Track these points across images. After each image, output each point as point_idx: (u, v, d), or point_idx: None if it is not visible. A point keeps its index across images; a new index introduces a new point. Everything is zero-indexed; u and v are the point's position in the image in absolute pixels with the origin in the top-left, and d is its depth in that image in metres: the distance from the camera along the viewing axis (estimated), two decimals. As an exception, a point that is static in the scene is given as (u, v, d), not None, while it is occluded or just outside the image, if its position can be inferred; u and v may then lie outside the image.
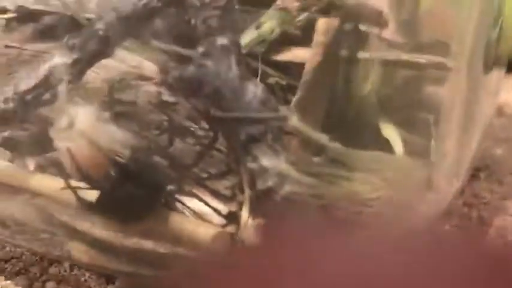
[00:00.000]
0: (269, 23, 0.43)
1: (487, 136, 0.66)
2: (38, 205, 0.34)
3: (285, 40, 0.44)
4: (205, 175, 0.35)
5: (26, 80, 0.34)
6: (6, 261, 0.40)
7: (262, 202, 0.31)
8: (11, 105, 0.33)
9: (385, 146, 0.38)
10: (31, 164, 0.33)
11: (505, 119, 0.74)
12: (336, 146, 0.31)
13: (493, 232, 0.49)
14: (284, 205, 0.31)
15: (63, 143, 0.29)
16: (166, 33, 0.35)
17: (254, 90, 0.31)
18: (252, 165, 0.31)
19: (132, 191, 0.30)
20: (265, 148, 0.31)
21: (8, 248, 0.40)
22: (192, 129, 0.39)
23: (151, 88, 0.39)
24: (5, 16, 0.43)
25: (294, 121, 0.31)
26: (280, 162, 0.31)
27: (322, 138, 0.31)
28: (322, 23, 0.42)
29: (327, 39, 0.41)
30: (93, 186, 0.30)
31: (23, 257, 0.40)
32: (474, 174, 0.58)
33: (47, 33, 0.46)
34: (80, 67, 0.34)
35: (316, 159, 0.31)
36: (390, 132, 0.39)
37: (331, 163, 0.31)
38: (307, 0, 0.34)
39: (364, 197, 0.33)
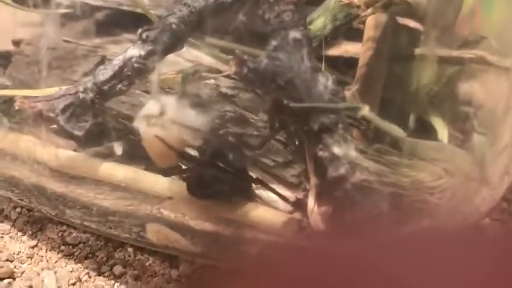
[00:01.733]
0: (321, 19, 0.45)
1: None
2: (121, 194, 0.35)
3: (336, 35, 0.45)
4: (272, 163, 0.36)
5: (103, 71, 0.35)
6: (74, 246, 0.41)
7: (332, 189, 0.32)
8: (90, 95, 0.35)
9: (435, 139, 0.40)
10: (118, 150, 0.35)
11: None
12: (399, 132, 0.32)
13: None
14: (353, 192, 0.32)
15: (152, 130, 0.30)
16: (237, 27, 0.36)
17: (325, 81, 0.33)
18: (323, 153, 0.32)
19: (219, 174, 0.32)
20: (336, 137, 0.32)
21: (74, 234, 0.42)
22: (251, 120, 0.40)
23: (211, 81, 0.40)
24: (61, 11, 0.45)
25: (366, 111, 0.32)
26: (350, 150, 0.32)
27: (393, 128, 0.32)
28: (371, 19, 0.43)
29: (377, 34, 0.42)
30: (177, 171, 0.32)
31: (89, 242, 0.42)
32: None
33: (100, 28, 0.48)
34: (153, 59, 0.36)
35: (382, 148, 0.32)
36: (439, 125, 0.41)
37: (398, 152, 0.33)
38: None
39: (427, 185, 0.34)
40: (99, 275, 0.39)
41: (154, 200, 0.35)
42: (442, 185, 0.35)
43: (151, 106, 0.32)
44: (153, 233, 0.35)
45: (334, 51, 0.45)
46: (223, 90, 0.41)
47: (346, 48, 0.46)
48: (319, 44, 0.44)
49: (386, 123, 0.32)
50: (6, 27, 0.53)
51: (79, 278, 0.39)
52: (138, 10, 0.46)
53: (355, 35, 0.44)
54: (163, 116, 0.31)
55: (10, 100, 0.41)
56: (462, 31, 0.44)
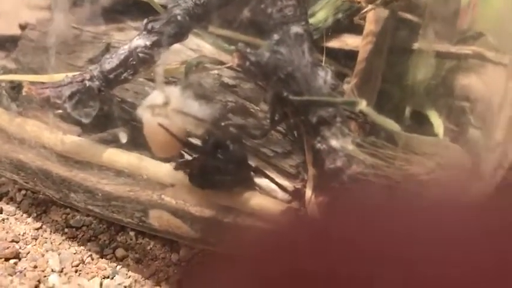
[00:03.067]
0: (323, 12, 0.45)
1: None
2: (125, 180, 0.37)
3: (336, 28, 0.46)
4: (271, 154, 0.37)
5: (109, 60, 0.36)
6: (77, 229, 0.42)
7: (329, 181, 0.33)
8: (96, 83, 0.36)
9: (431, 132, 0.41)
10: (123, 138, 0.36)
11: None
12: (395, 126, 0.33)
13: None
14: (349, 184, 0.33)
15: (155, 119, 0.32)
16: (240, 20, 0.37)
17: (324, 76, 0.34)
18: (321, 146, 0.33)
19: (221, 164, 0.33)
20: (334, 130, 0.33)
21: (78, 217, 0.43)
22: (252, 110, 0.41)
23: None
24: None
25: (363, 106, 0.33)
26: (348, 143, 0.33)
27: (390, 123, 0.33)
28: (372, 13, 0.44)
29: (377, 29, 0.43)
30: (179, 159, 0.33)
31: (92, 225, 0.43)
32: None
33: (105, 15, 0.49)
34: (157, 49, 0.37)
35: (378, 141, 0.34)
36: (436, 119, 0.42)
37: (393, 145, 0.34)
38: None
39: (420, 178, 0.35)
40: (102, 258, 0.41)
41: (156, 186, 0.36)
42: (433, 179, 0.36)
43: (155, 96, 0.33)
44: (155, 218, 0.36)
45: (334, 44, 0.46)
46: (225, 80, 0.42)
47: (346, 41, 0.47)
48: (320, 36, 0.45)
49: (382, 117, 0.33)
50: (11, 10, 0.54)
51: (82, 259, 0.40)
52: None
53: (356, 28, 0.45)
54: (167, 106, 0.32)
55: (18, 84, 0.42)
56: (462, 24, 0.45)
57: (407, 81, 0.42)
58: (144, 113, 0.33)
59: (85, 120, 0.34)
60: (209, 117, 0.33)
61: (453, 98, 0.43)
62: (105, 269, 0.40)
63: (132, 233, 0.43)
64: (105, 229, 0.43)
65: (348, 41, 0.47)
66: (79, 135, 0.40)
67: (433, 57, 0.42)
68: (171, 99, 0.32)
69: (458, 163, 0.37)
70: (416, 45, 0.44)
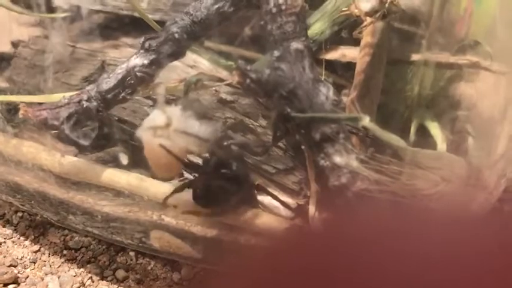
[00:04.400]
0: (319, 24, 0.45)
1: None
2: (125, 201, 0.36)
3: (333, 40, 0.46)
4: (273, 170, 0.37)
5: (107, 80, 0.36)
6: (76, 250, 0.42)
7: (333, 197, 0.33)
8: (94, 103, 0.35)
9: (431, 144, 0.41)
10: (124, 159, 0.35)
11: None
12: (404, 145, 0.33)
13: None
14: (353, 200, 0.33)
15: (156, 140, 0.31)
16: (240, 37, 0.37)
17: (326, 92, 0.33)
18: (324, 162, 0.33)
19: (223, 183, 0.33)
20: (338, 146, 0.33)
21: (77, 238, 0.42)
22: (251, 126, 0.41)
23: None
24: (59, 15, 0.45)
25: (366, 122, 0.33)
26: (352, 160, 0.33)
27: (395, 139, 0.33)
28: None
29: (375, 41, 0.43)
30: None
31: (91, 246, 0.42)
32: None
33: (98, 32, 0.48)
34: (155, 68, 0.37)
35: (383, 157, 0.33)
36: (436, 131, 0.42)
37: (397, 160, 0.33)
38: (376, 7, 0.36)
39: (426, 192, 0.35)
40: (102, 279, 0.40)
41: (156, 207, 0.36)
42: (438, 192, 0.36)
43: (156, 116, 0.32)
44: (156, 239, 0.36)
45: (331, 55, 0.45)
46: (223, 96, 0.41)
47: (343, 53, 0.47)
48: (317, 48, 0.44)
49: (387, 133, 0.33)
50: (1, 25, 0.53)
51: (82, 282, 0.40)
52: (137, 14, 0.46)
53: (353, 39, 0.44)
54: (169, 127, 0.31)
55: (13, 105, 0.41)
56: (459, 33, 0.45)
57: (407, 93, 0.42)
58: (144, 134, 0.32)
59: (84, 142, 0.34)
60: (210, 137, 0.32)
61: (453, 108, 0.43)
62: (106, 291, 0.39)
63: (132, 253, 0.42)
64: (105, 250, 0.42)
65: (346, 53, 0.47)
66: (75, 155, 0.40)
67: (431, 68, 0.41)
68: (173, 120, 0.31)
69: (462, 176, 0.37)
70: (414, 56, 0.43)
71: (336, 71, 0.46)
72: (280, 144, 0.37)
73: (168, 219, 0.36)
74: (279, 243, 0.23)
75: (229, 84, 0.36)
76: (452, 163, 0.36)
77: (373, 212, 0.23)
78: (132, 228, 0.37)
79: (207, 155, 0.34)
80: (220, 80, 0.37)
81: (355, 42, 0.44)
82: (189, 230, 0.36)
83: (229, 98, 0.41)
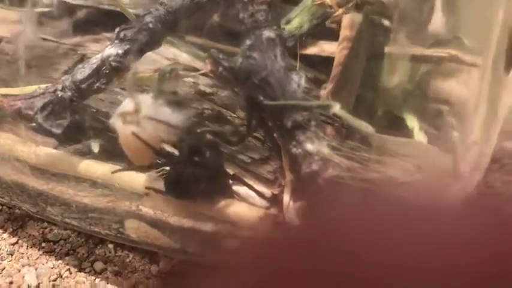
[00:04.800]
0: (298, 19, 0.45)
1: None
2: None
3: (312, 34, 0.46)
4: (248, 160, 0.37)
5: (81, 70, 0.36)
6: (55, 243, 0.42)
7: (306, 185, 0.33)
8: (68, 93, 0.36)
9: (409, 136, 0.41)
10: (95, 147, 0.35)
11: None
12: (373, 132, 0.33)
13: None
14: (326, 188, 0.33)
15: (128, 127, 0.31)
16: (212, 27, 0.37)
17: (298, 80, 0.33)
18: (296, 150, 0.33)
19: (197, 172, 0.33)
20: (309, 134, 0.33)
21: (56, 231, 0.42)
22: (229, 117, 0.41)
23: (189, 79, 0.41)
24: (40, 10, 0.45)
25: (337, 109, 0.33)
26: (323, 147, 0.33)
27: (363, 125, 0.33)
28: (347, 18, 0.44)
29: (353, 34, 0.43)
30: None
31: (70, 239, 0.42)
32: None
33: (82, 27, 0.48)
34: (130, 57, 0.37)
35: (353, 144, 0.33)
36: (413, 123, 0.42)
37: (368, 148, 0.33)
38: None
39: (399, 181, 0.35)
40: (80, 271, 0.40)
41: (133, 197, 0.36)
42: (412, 181, 0.36)
43: (127, 104, 0.32)
44: (133, 229, 0.36)
45: (311, 50, 0.46)
46: (202, 88, 0.41)
47: (323, 47, 0.47)
48: (296, 43, 0.45)
49: (356, 119, 0.33)
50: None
51: (60, 274, 0.40)
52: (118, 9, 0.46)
53: (332, 34, 0.45)
54: (138, 113, 0.31)
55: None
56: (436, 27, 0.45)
57: (384, 86, 0.42)
58: (116, 122, 0.32)
59: (56, 131, 0.34)
60: (183, 124, 0.32)
61: (430, 100, 0.43)
62: (84, 283, 0.39)
63: (111, 246, 0.42)
64: (84, 242, 0.42)
65: (325, 47, 0.47)
66: (55, 148, 0.40)
67: (407, 61, 0.42)
68: (142, 106, 0.31)
69: (436, 164, 0.37)
70: (391, 49, 0.43)
71: (315, 66, 0.46)
72: (256, 134, 0.37)
73: (146, 210, 0.36)
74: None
75: (203, 74, 0.36)
76: (425, 151, 0.36)
77: (359, 208, 0.22)
78: (109, 219, 0.37)
79: (180, 143, 0.34)
80: (195, 70, 0.37)
81: (335, 37, 0.44)
82: (166, 220, 0.36)
83: (208, 90, 0.41)
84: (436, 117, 0.42)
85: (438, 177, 0.37)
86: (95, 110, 0.38)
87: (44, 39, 0.48)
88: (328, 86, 0.41)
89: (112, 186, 0.36)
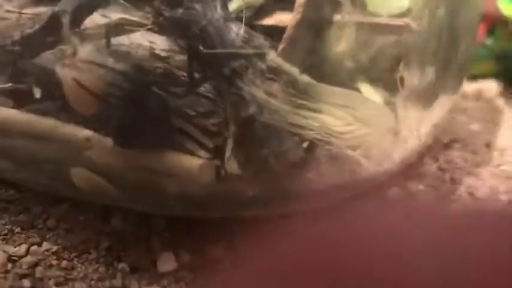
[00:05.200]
0: (256, -10, 0.47)
1: (460, 113, 0.70)
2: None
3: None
4: (193, 113, 0.38)
5: (31, 26, 0.37)
6: (9, 202, 0.43)
7: (244, 130, 0.34)
8: (17, 48, 0.37)
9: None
10: (37, 93, 0.36)
11: (483, 103, 0.78)
12: (306, 78, 0.34)
13: (462, 189, 0.52)
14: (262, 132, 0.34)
15: (69, 73, 0.32)
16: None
17: (237, 30, 0.35)
18: (235, 97, 0.34)
19: (141, 123, 0.34)
20: (246, 81, 0.34)
21: (12, 191, 0.43)
22: (182, 78, 0.42)
23: (145, 42, 0.42)
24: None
25: (272, 56, 0.34)
26: (260, 92, 0.34)
27: (294, 71, 0.34)
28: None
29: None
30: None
31: (25, 199, 0.43)
32: (449, 144, 0.62)
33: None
34: (79, 14, 0.38)
35: (291, 91, 0.35)
36: (363, 86, 0.43)
37: (304, 95, 0.35)
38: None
39: (336, 129, 0.36)
40: (33, 228, 0.41)
41: (77, 148, 0.37)
42: (351, 131, 0.37)
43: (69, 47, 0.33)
44: (79, 178, 0.36)
45: (268, 21, 0.47)
46: (157, 51, 0.42)
47: (280, 18, 0.48)
48: (254, 14, 0.46)
49: (289, 66, 0.34)
50: None
51: (11, 230, 0.40)
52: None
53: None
54: (75, 55, 0.32)
55: None
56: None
57: (333, 50, 0.44)
58: (57, 68, 0.33)
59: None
60: (126, 70, 0.33)
61: (380, 67, 0.45)
62: (34, 237, 0.40)
63: (65, 206, 0.43)
64: (39, 202, 0.43)
65: (282, 18, 0.48)
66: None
67: (353, 28, 0.43)
68: (82, 50, 0.32)
69: (375, 117, 0.38)
70: (343, 17, 0.45)
71: (273, 36, 0.47)
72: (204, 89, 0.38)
73: (92, 159, 0.37)
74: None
75: (149, 30, 0.37)
76: (365, 104, 0.37)
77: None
78: (57, 169, 0.38)
79: (123, 91, 0.35)
80: (141, 25, 0.38)
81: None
82: (112, 170, 0.37)
83: (163, 54, 0.43)
84: (382, 83, 0.43)
85: (379, 132, 0.38)
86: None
87: (8, 11, 0.49)
88: (280, 46, 0.42)
89: (57, 138, 0.37)
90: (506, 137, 0.67)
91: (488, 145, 0.65)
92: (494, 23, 0.78)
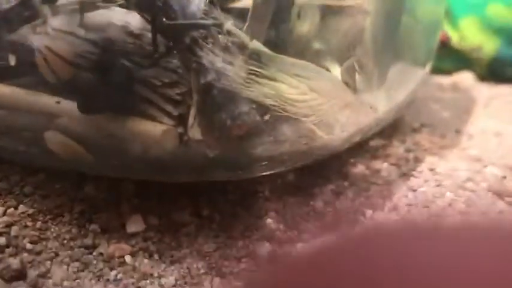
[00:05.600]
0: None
1: (435, 102, 0.73)
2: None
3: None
4: (159, 83, 0.41)
5: (9, 1, 0.40)
6: (-12, 172, 0.45)
7: (203, 96, 0.37)
8: (-5, 22, 0.40)
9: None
10: (12, 61, 0.39)
11: (458, 93, 0.80)
12: (264, 49, 0.37)
13: (424, 166, 0.55)
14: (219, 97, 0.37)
15: (40, 39, 0.35)
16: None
17: (198, 3, 0.37)
18: (195, 65, 0.37)
19: (108, 91, 0.36)
20: (206, 50, 0.37)
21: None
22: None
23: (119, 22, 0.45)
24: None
25: (229, 26, 0.37)
26: (218, 61, 0.37)
27: (253, 43, 0.37)
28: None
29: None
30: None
31: (4, 168, 0.46)
32: (418, 129, 0.65)
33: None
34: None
35: (248, 60, 0.37)
36: (328, 63, 0.46)
37: (261, 64, 0.37)
38: None
39: (291, 97, 0.39)
40: (10, 194, 0.43)
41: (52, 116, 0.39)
42: (306, 100, 0.40)
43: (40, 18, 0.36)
44: (56, 143, 0.39)
45: (240, 4, 0.50)
46: (132, 29, 0.45)
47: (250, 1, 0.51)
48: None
49: (245, 35, 0.37)
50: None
51: (-11, 196, 0.43)
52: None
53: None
54: (46, 23, 0.35)
55: None
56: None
57: (296, 29, 0.46)
58: (30, 37, 0.36)
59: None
60: (96, 40, 0.36)
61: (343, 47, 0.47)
62: (11, 201, 0.42)
63: (42, 175, 0.45)
64: (17, 172, 0.45)
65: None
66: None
67: (314, 9, 0.46)
68: (51, 20, 0.35)
69: (329, 87, 0.40)
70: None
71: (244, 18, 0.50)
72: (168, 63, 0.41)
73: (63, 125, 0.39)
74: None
75: (120, 5, 0.40)
76: (320, 75, 0.40)
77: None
78: (33, 136, 0.40)
79: (92, 60, 0.38)
80: (112, 1, 0.41)
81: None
82: (81, 135, 0.39)
83: (136, 31, 0.45)
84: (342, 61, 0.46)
85: (332, 103, 0.41)
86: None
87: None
88: (246, 24, 0.45)
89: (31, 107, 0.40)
90: (477, 125, 0.69)
91: (458, 131, 0.67)
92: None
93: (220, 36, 0.38)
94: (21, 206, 0.42)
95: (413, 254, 0.16)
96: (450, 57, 0.88)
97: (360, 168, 0.54)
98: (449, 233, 0.18)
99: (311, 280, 0.17)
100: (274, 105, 0.38)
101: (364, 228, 0.21)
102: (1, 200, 0.43)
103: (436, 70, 0.85)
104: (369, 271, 0.16)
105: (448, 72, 0.89)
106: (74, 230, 0.41)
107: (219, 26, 0.37)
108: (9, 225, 0.40)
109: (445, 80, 0.87)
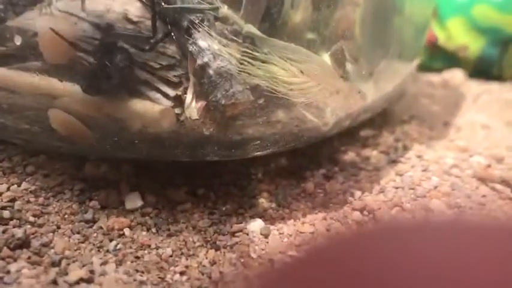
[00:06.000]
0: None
1: (425, 97, 0.75)
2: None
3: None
4: (157, 66, 0.43)
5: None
6: (-8, 153, 0.47)
7: (199, 77, 0.39)
8: (0, 6, 0.42)
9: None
10: (18, 41, 0.41)
11: (448, 90, 0.83)
12: (257, 32, 0.39)
13: (412, 153, 0.57)
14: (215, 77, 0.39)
15: (45, 21, 0.37)
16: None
17: (194, -12, 0.40)
18: (192, 47, 0.39)
19: (110, 72, 0.38)
20: (202, 33, 0.39)
21: (-5, 144, 0.48)
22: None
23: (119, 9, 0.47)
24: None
25: (225, 10, 0.39)
26: (213, 43, 0.39)
27: (248, 27, 0.39)
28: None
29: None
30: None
31: (7, 149, 0.48)
32: (408, 120, 0.67)
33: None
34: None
35: (242, 43, 0.39)
36: (320, 53, 0.48)
37: (254, 46, 0.39)
38: None
39: (283, 79, 0.41)
40: (13, 173, 0.45)
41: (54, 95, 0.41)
42: (297, 83, 0.42)
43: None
44: (59, 121, 0.41)
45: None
46: (130, 16, 0.47)
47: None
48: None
49: (239, 19, 0.39)
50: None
51: (-7, 174, 0.45)
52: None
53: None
54: (51, 4, 0.37)
55: None
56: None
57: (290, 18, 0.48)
58: (35, 20, 0.38)
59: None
60: (99, 23, 0.38)
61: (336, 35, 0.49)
62: (14, 179, 0.44)
63: (43, 156, 0.47)
64: (19, 153, 0.47)
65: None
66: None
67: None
68: (57, 2, 0.37)
69: (320, 72, 0.43)
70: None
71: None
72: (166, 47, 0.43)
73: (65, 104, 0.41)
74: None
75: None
76: (311, 59, 0.42)
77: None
78: (36, 115, 0.42)
79: (95, 44, 0.40)
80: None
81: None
82: (83, 115, 0.41)
83: (135, 19, 0.47)
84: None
85: (322, 87, 0.43)
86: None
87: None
88: (241, 12, 0.47)
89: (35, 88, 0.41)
90: (465, 118, 0.71)
91: (446, 123, 0.69)
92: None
93: (216, 20, 0.40)
94: (24, 183, 0.44)
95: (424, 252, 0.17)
96: (439, 57, 0.91)
97: (350, 156, 0.56)
98: (469, 233, 0.18)
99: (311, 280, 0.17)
100: (266, 86, 0.40)
101: (373, 226, 0.22)
102: (5, 178, 0.44)
103: (427, 69, 0.88)
104: (374, 268, 0.17)
105: (438, 70, 0.91)
106: (74, 206, 0.43)
107: (215, 10, 0.39)
108: (12, 200, 0.41)
109: (435, 77, 0.89)
